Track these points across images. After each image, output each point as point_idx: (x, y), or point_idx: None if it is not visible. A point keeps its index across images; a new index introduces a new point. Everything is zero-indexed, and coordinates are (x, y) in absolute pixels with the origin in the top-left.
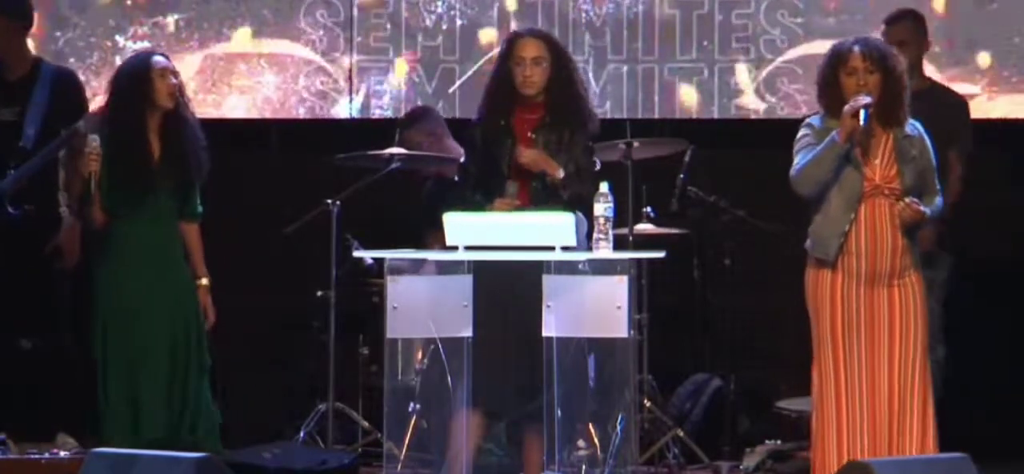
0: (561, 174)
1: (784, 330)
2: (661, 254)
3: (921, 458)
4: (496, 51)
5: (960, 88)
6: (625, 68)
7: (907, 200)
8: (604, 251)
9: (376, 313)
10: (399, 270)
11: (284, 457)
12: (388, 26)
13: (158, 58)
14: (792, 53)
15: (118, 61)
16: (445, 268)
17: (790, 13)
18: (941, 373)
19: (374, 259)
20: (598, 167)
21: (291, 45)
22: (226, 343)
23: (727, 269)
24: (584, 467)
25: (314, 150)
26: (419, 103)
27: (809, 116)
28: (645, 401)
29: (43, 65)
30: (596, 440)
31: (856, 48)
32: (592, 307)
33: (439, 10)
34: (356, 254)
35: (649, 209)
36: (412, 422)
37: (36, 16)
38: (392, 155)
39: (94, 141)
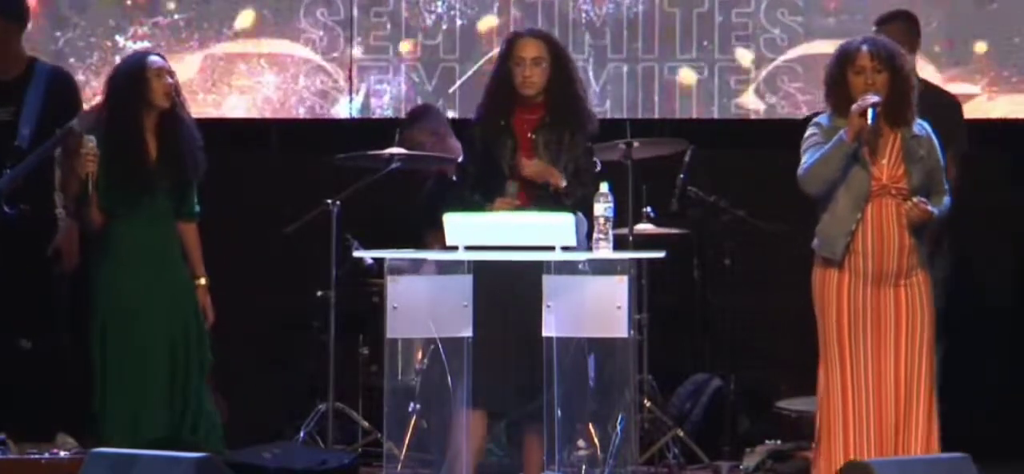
0: (564, 183)
1: (784, 330)
2: (661, 254)
3: (921, 458)
4: (496, 51)
5: (960, 88)
6: (625, 68)
7: (915, 200)
8: (604, 251)
9: (376, 313)
10: (399, 270)
11: (284, 457)
12: (388, 25)
13: (154, 58)
14: (793, 52)
15: (118, 61)
16: (445, 268)
17: (790, 12)
18: (940, 372)
19: (374, 259)
20: (598, 167)
21: (291, 45)
22: (226, 343)
23: (727, 269)
24: (584, 467)
25: (314, 150)
26: (420, 102)
27: (811, 115)
28: (645, 401)
29: (37, 65)
30: (596, 440)
31: (864, 47)
32: (592, 307)
33: (439, 10)
34: (356, 254)
35: (649, 209)
36: (412, 422)
37: (36, 16)
38: (392, 155)
39: (90, 142)
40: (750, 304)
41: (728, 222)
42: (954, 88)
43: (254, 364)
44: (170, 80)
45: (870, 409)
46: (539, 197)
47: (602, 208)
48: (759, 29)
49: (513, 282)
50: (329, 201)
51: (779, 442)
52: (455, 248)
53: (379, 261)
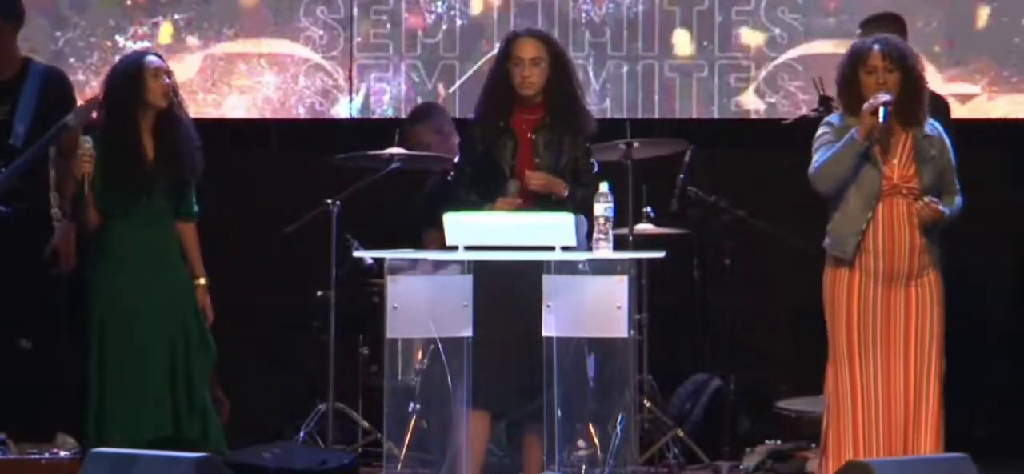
0: (566, 192)
1: (784, 330)
2: (661, 254)
3: (921, 458)
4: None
5: (960, 88)
6: (625, 67)
7: (926, 200)
8: (604, 251)
9: (376, 313)
10: (399, 270)
11: (284, 457)
12: (388, 25)
13: (151, 58)
14: (793, 52)
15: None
16: (445, 268)
17: (791, 10)
18: None
19: (374, 259)
20: (596, 168)
21: (291, 45)
22: (226, 343)
23: (727, 269)
24: (584, 467)
25: (314, 150)
26: (420, 101)
27: (808, 114)
28: (645, 401)
29: (32, 64)
30: (596, 440)
31: (876, 47)
32: (592, 307)
33: (439, 10)
34: (356, 254)
35: (649, 209)
36: (412, 422)
37: (36, 17)
38: (392, 155)
39: (86, 142)
40: (750, 304)
41: (728, 222)
42: (954, 88)
43: (254, 364)
44: (167, 80)
45: (879, 409)
46: (540, 197)
47: (602, 208)
48: (759, 28)
49: (513, 282)
50: (329, 201)
51: (779, 442)
52: (455, 248)
53: (379, 261)
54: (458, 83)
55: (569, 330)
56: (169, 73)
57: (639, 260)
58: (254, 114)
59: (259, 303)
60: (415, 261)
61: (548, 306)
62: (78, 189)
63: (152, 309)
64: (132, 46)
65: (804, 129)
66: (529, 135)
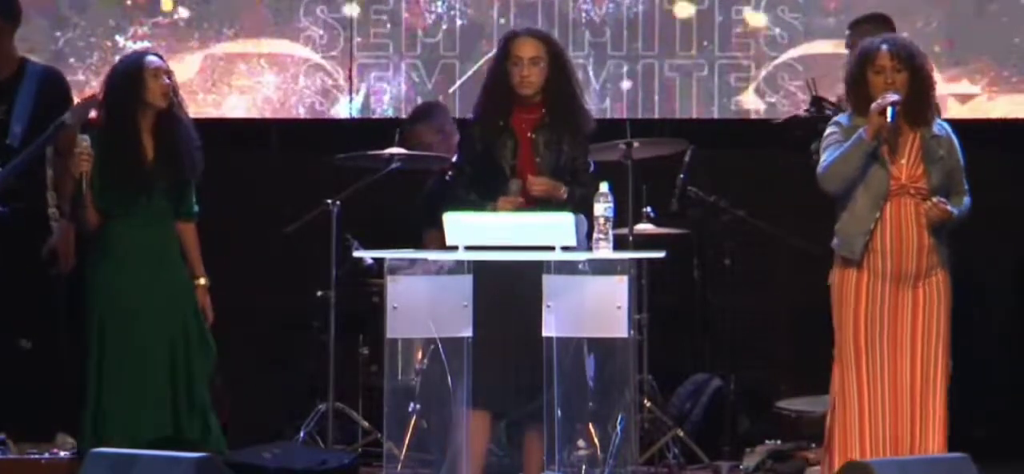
0: (565, 195)
1: (784, 330)
2: (661, 254)
3: (921, 458)
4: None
5: (960, 88)
6: (625, 66)
7: (934, 200)
8: (604, 251)
9: (376, 313)
10: (399, 270)
11: (284, 457)
12: (388, 24)
13: (151, 58)
14: (793, 51)
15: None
16: (445, 268)
17: (791, 10)
18: None
19: (374, 259)
20: (592, 168)
21: (291, 45)
22: (226, 343)
23: (727, 269)
24: (584, 467)
25: (314, 150)
26: (420, 101)
27: (798, 114)
28: (645, 401)
29: (29, 65)
30: (596, 440)
31: (884, 46)
32: (592, 307)
33: (439, 10)
34: (356, 254)
35: (649, 209)
36: (412, 422)
37: (36, 17)
38: (392, 155)
39: (84, 141)
40: (750, 304)
41: (728, 222)
42: (954, 88)
43: (254, 364)
44: (167, 80)
45: (886, 409)
46: (540, 198)
47: (602, 208)
48: (759, 28)
49: (513, 282)
50: (329, 201)
51: (779, 442)
52: (455, 248)
53: (379, 261)
54: (458, 83)
55: (569, 330)
56: (169, 73)
57: (639, 260)
58: (254, 114)
59: (259, 303)
60: (415, 261)
61: (548, 306)
62: (76, 188)
63: (152, 309)
64: (132, 46)
65: (795, 128)
66: (529, 134)
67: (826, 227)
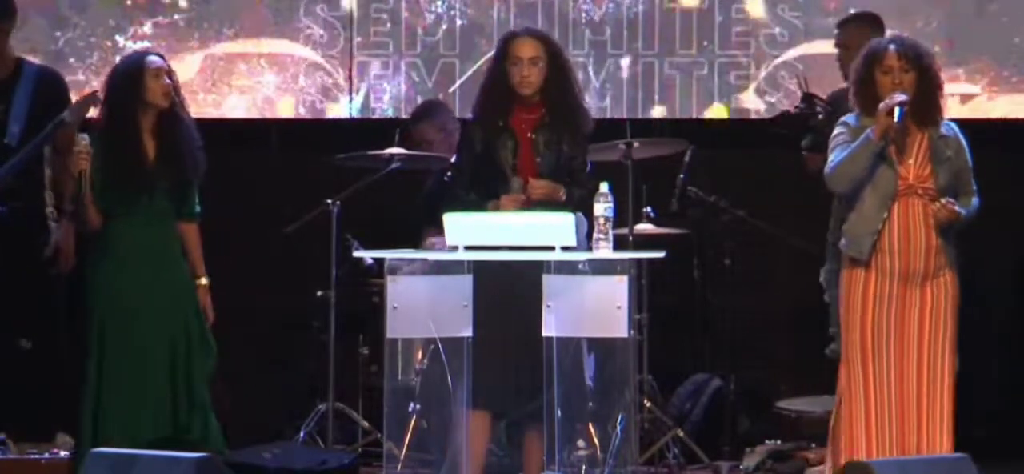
0: (565, 197)
1: (784, 330)
2: (661, 254)
3: (921, 458)
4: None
5: (960, 88)
6: (625, 66)
7: (942, 201)
8: (604, 251)
9: (376, 313)
10: (399, 270)
11: (284, 457)
12: (388, 24)
13: (152, 58)
14: (793, 51)
15: (118, 61)
16: (445, 268)
17: (791, 9)
18: None
19: (374, 259)
20: (589, 168)
21: (291, 45)
22: (226, 343)
23: (727, 269)
24: (584, 467)
25: (314, 150)
26: (420, 101)
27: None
28: (645, 401)
29: (25, 65)
30: (596, 440)
31: (892, 47)
32: (592, 307)
33: (439, 9)
34: (356, 254)
35: (649, 209)
36: (412, 422)
37: (36, 17)
38: (392, 155)
39: (83, 140)
40: (750, 304)
41: (728, 222)
42: (954, 88)
43: (254, 364)
44: (168, 80)
45: (892, 408)
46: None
47: (602, 208)
48: (760, 26)
49: (513, 282)
50: (329, 201)
51: (779, 442)
52: (455, 248)
53: (379, 261)
54: (458, 83)
55: (569, 330)
56: (170, 73)
57: (639, 260)
58: (254, 114)
59: (259, 303)
60: (415, 261)
61: (548, 306)
62: (76, 187)
63: (153, 309)
64: (132, 46)
65: (785, 125)
66: (529, 134)
67: (827, 227)
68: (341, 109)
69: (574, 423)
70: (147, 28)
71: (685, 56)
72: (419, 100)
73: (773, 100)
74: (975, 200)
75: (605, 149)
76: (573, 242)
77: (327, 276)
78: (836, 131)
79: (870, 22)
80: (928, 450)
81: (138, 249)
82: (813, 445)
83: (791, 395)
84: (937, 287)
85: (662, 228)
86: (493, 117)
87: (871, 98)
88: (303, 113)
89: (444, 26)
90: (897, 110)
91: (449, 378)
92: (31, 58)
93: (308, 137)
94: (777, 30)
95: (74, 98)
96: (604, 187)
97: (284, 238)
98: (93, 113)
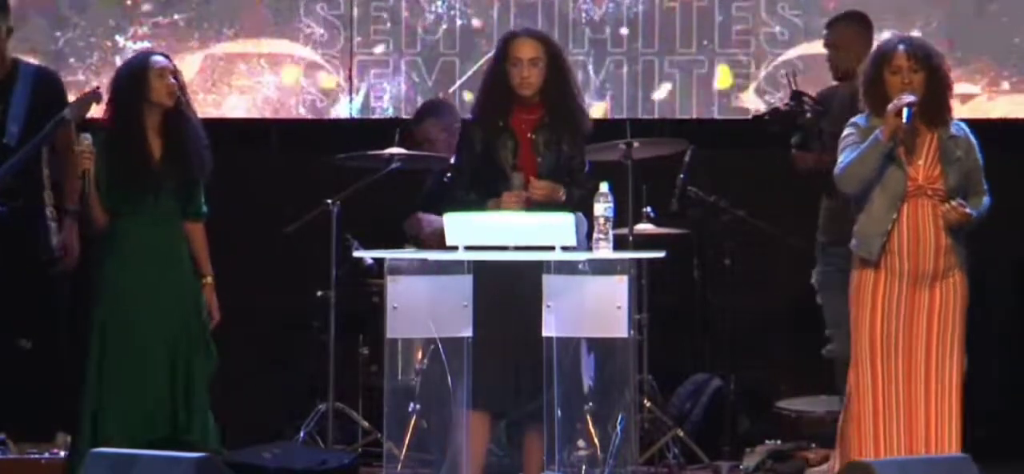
0: (564, 197)
1: (784, 330)
2: (661, 254)
3: (921, 458)
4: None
5: (960, 88)
6: (625, 65)
7: (953, 202)
8: (604, 251)
9: (376, 313)
10: (399, 270)
11: (284, 457)
12: (388, 23)
13: (157, 58)
14: (793, 50)
15: (118, 61)
16: (445, 268)
17: (791, 8)
18: None
19: (374, 259)
20: (588, 168)
21: (291, 45)
22: (226, 343)
23: (727, 269)
24: (584, 467)
25: (314, 150)
26: (420, 101)
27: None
28: (645, 401)
29: (22, 65)
30: (596, 440)
31: (901, 47)
32: (592, 307)
33: (439, 9)
34: (356, 254)
35: (649, 209)
36: (412, 422)
37: (36, 17)
38: (392, 155)
39: (86, 139)
40: (750, 304)
41: (728, 222)
42: (954, 88)
43: (254, 364)
44: (173, 80)
45: (900, 408)
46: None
47: (602, 208)
48: (760, 25)
49: (513, 282)
50: (329, 201)
51: (779, 442)
52: (455, 248)
53: (379, 261)
54: (458, 83)
55: (569, 330)
56: (176, 73)
57: (639, 260)
58: (254, 114)
59: (259, 303)
60: (415, 261)
61: (548, 306)
62: (81, 187)
63: (156, 309)
64: (132, 46)
65: (775, 122)
66: (529, 135)
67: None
68: (341, 109)
69: (574, 423)
70: (147, 28)
71: (685, 55)
72: (419, 100)
73: (773, 100)
74: (986, 200)
75: (605, 149)
76: (573, 242)
77: (327, 276)
78: (846, 132)
79: (858, 21)
80: (936, 450)
81: (144, 249)
82: (813, 445)
83: (791, 395)
84: (946, 288)
85: (662, 228)
86: (493, 117)
87: (880, 98)
88: (303, 113)
89: (444, 26)
90: (906, 111)
91: (449, 378)
92: (31, 58)
93: (308, 137)
94: (777, 29)
95: (73, 98)
96: (604, 187)
97: (284, 238)
98: (94, 111)
